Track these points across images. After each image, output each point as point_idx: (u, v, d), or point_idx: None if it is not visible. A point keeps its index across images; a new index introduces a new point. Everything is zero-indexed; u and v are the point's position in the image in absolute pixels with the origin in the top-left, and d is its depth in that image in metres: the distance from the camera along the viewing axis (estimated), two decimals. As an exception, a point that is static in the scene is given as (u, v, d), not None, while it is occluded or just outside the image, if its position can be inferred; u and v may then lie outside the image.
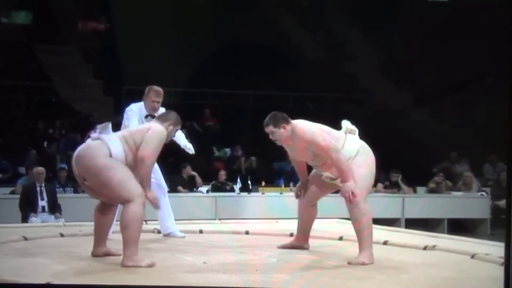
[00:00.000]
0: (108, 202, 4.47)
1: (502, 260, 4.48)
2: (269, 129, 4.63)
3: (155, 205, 4.40)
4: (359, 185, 4.52)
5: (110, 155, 4.27)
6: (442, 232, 9.69)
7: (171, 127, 4.55)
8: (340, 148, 4.56)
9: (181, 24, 13.57)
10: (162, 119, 4.61)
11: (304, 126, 4.62)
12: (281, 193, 9.96)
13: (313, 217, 4.98)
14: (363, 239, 4.51)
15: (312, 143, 4.55)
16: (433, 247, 5.13)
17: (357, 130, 4.78)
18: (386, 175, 11.34)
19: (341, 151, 4.54)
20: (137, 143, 4.34)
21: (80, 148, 4.40)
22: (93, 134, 4.41)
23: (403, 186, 11.07)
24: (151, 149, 4.33)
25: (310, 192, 4.86)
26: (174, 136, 4.75)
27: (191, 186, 10.56)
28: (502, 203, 10.99)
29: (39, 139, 12.19)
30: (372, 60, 14.76)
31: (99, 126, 4.46)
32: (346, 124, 4.79)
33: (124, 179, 4.23)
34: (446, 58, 13.29)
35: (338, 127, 4.81)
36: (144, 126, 4.66)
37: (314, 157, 4.63)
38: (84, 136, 12.06)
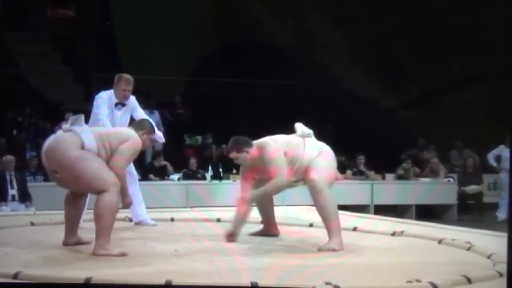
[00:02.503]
0: (80, 193, 4.45)
1: (468, 245, 4.60)
2: (233, 155, 4.76)
3: (127, 206, 4.47)
4: (322, 174, 4.62)
5: (83, 147, 4.21)
6: (410, 218, 9.84)
7: (145, 136, 4.55)
8: (302, 154, 4.68)
9: (152, 8, 13.48)
10: (137, 126, 4.60)
11: (269, 150, 4.68)
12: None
13: (270, 207, 5.08)
14: (331, 226, 4.59)
15: (269, 163, 4.66)
16: (401, 233, 5.22)
17: (312, 132, 4.85)
18: (354, 162, 11.46)
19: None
20: (112, 145, 4.28)
21: (51, 139, 4.31)
22: (65, 125, 4.35)
23: (367, 172, 11.20)
24: (124, 161, 4.32)
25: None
26: (149, 145, 4.74)
27: (162, 174, 10.55)
28: (468, 189, 11.21)
29: (8, 127, 12.04)
30: (341, 48, 14.83)
31: (71, 118, 4.40)
32: (300, 127, 4.86)
33: (97, 170, 4.18)
34: (416, 44, 13.41)
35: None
36: (123, 132, 4.55)
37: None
38: (54, 125, 11.99)
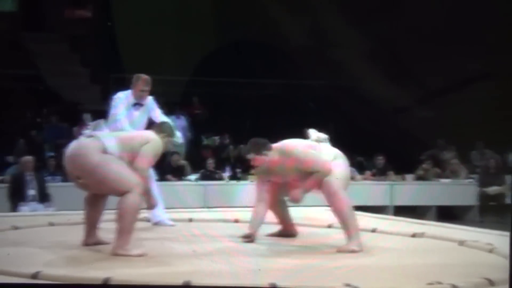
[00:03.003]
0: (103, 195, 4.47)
1: (490, 247, 4.54)
2: (250, 156, 4.72)
3: (152, 208, 4.53)
4: (337, 175, 4.60)
5: (105, 152, 4.24)
6: (431, 219, 9.76)
7: (165, 139, 4.58)
8: (321, 156, 4.66)
9: (170, 11, 13.52)
10: (158, 129, 4.64)
11: (294, 145, 4.69)
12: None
13: (284, 209, 5.05)
14: (348, 227, 4.56)
15: (303, 159, 4.61)
16: (422, 234, 5.17)
17: (327, 138, 4.82)
18: (373, 163, 11.39)
19: (324, 162, 4.60)
20: (134, 149, 4.32)
21: (73, 146, 4.34)
22: (86, 131, 4.39)
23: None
24: (146, 163, 4.35)
25: (274, 191, 4.91)
26: (169, 148, 4.76)
27: (180, 174, 10.56)
28: (490, 190, 11.10)
29: (27, 128, 12.12)
30: (359, 48, 14.76)
31: (92, 123, 4.46)
32: (315, 133, 4.82)
33: (120, 172, 4.21)
34: (434, 46, 13.32)
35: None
36: (143, 134, 4.61)
37: (301, 175, 4.69)
38: (72, 125, 12.05)
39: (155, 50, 13.05)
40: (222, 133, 12.72)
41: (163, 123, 4.90)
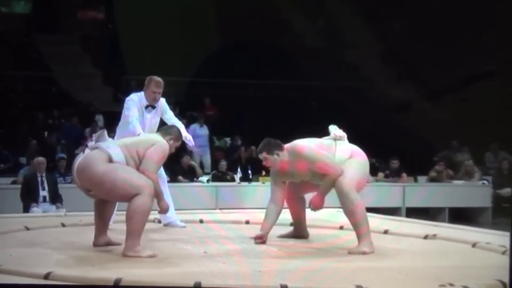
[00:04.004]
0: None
1: (503, 249, 4.49)
2: (263, 155, 4.72)
3: (163, 212, 4.50)
4: (349, 176, 4.55)
5: (111, 161, 4.25)
6: (443, 221, 9.71)
7: (172, 142, 4.57)
8: (333, 157, 4.63)
9: (183, 13, 13.53)
10: (164, 132, 4.64)
11: (304, 146, 4.67)
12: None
13: (301, 208, 5.04)
14: (360, 229, 4.53)
15: (312, 161, 4.59)
16: (434, 236, 5.13)
17: (345, 135, 4.79)
18: (386, 164, 11.34)
19: (335, 164, 4.58)
20: (140, 153, 4.32)
21: (79, 160, 4.36)
22: (90, 143, 4.40)
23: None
24: (154, 165, 4.34)
25: (292, 188, 4.91)
26: (174, 151, 4.75)
27: (191, 176, 10.57)
28: (504, 191, 11.01)
29: (39, 129, 12.18)
30: (373, 49, 14.72)
31: (94, 135, 4.46)
32: (334, 130, 4.79)
33: (127, 177, 4.21)
34: (448, 46, 13.25)
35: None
36: (149, 138, 4.60)
37: (313, 176, 4.67)
38: (84, 126, 12.08)
39: (165, 52, 13.06)
40: (234, 135, 12.73)
41: (170, 126, 4.89)
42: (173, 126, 4.91)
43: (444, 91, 13.85)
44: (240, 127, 12.78)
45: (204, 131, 12.07)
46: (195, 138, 11.97)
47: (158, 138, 4.51)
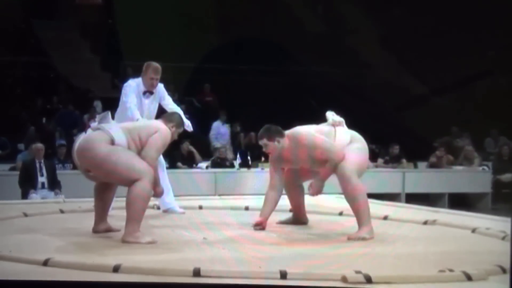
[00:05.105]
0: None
1: (503, 234, 4.49)
2: (263, 142, 4.70)
3: (158, 195, 4.49)
4: (351, 160, 4.54)
5: (112, 143, 4.23)
6: (443, 206, 9.71)
7: (173, 129, 4.56)
8: (333, 143, 4.61)
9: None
10: (166, 119, 4.62)
11: (304, 132, 4.66)
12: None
13: (301, 195, 5.03)
14: (360, 214, 4.52)
15: (313, 147, 4.58)
16: (434, 222, 5.13)
17: (343, 121, 4.76)
18: (386, 150, 11.33)
19: (336, 150, 4.57)
20: (142, 138, 4.31)
21: (80, 140, 4.35)
22: (93, 124, 4.38)
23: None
24: (155, 152, 4.33)
25: (290, 176, 4.90)
26: (175, 138, 4.73)
27: (190, 162, 10.56)
28: (504, 177, 11.01)
29: (37, 115, 12.15)
30: (373, 34, 14.65)
31: (98, 116, 4.45)
32: (332, 116, 4.77)
33: (128, 162, 4.20)
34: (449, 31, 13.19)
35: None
36: (151, 124, 4.59)
37: (313, 162, 4.65)
38: (82, 112, 12.05)
39: (164, 37, 13.00)
40: (233, 121, 12.70)
41: (172, 113, 4.88)
42: (175, 113, 4.90)
43: (445, 78, 13.82)
44: (239, 113, 12.75)
45: (227, 128, 12.05)
46: (218, 136, 12.04)
47: (160, 125, 4.50)
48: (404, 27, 14.28)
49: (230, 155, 11.09)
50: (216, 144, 11.47)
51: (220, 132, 11.86)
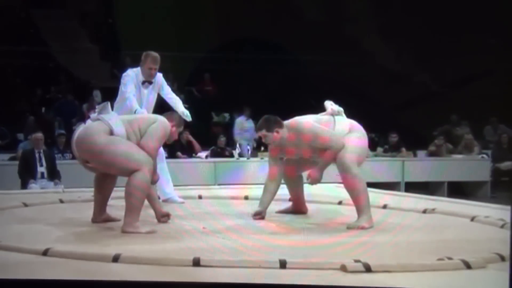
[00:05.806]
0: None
1: (502, 223, 4.50)
2: (262, 133, 4.70)
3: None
4: (350, 149, 4.54)
5: (112, 134, 4.23)
6: (442, 195, 9.72)
7: (174, 129, 4.55)
8: (333, 133, 4.62)
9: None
10: (167, 117, 4.59)
11: (304, 122, 4.65)
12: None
13: (300, 184, 5.04)
14: (359, 204, 4.53)
15: (313, 137, 4.58)
16: (433, 210, 5.14)
17: (342, 110, 4.76)
18: (385, 139, 11.32)
19: (336, 139, 4.57)
20: (142, 130, 4.30)
21: (80, 130, 4.35)
22: (93, 115, 4.38)
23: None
24: (155, 141, 4.31)
25: (289, 166, 4.89)
26: (176, 137, 4.72)
27: (190, 151, 10.55)
28: (503, 165, 11.01)
29: (37, 105, 12.14)
30: (372, 22, 14.59)
31: (98, 106, 4.44)
32: (330, 105, 4.76)
33: (127, 152, 4.20)
34: (447, 20, 13.14)
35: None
36: (151, 116, 4.60)
37: (313, 152, 4.65)
38: (81, 102, 12.02)
39: (164, 26, 12.96)
40: (233, 110, 12.68)
41: (172, 113, 4.85)
42: (175, 112, 4.89)
43: (445, 66, 13.77)
44: (239, 103, 12.73)
45: (251, 123, 11.65)
46: (243, 131, 11.75)
47: (159, 116, 4.50)
48: (404, 13, 14.23)
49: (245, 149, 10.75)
50: (240, 140, 11.04)
51: (243, 127, 11.59)
